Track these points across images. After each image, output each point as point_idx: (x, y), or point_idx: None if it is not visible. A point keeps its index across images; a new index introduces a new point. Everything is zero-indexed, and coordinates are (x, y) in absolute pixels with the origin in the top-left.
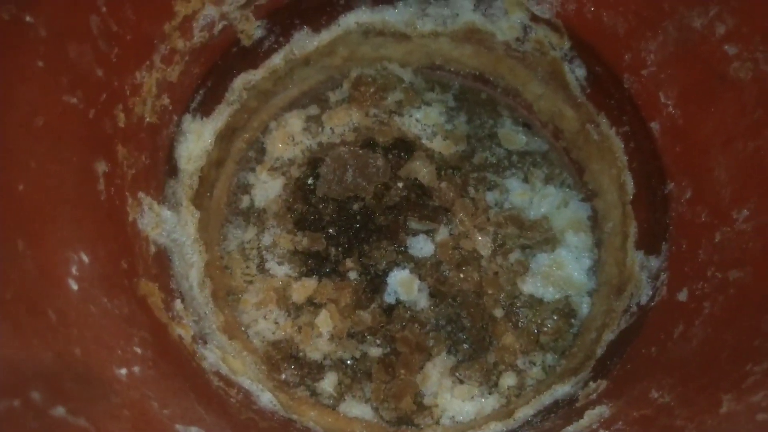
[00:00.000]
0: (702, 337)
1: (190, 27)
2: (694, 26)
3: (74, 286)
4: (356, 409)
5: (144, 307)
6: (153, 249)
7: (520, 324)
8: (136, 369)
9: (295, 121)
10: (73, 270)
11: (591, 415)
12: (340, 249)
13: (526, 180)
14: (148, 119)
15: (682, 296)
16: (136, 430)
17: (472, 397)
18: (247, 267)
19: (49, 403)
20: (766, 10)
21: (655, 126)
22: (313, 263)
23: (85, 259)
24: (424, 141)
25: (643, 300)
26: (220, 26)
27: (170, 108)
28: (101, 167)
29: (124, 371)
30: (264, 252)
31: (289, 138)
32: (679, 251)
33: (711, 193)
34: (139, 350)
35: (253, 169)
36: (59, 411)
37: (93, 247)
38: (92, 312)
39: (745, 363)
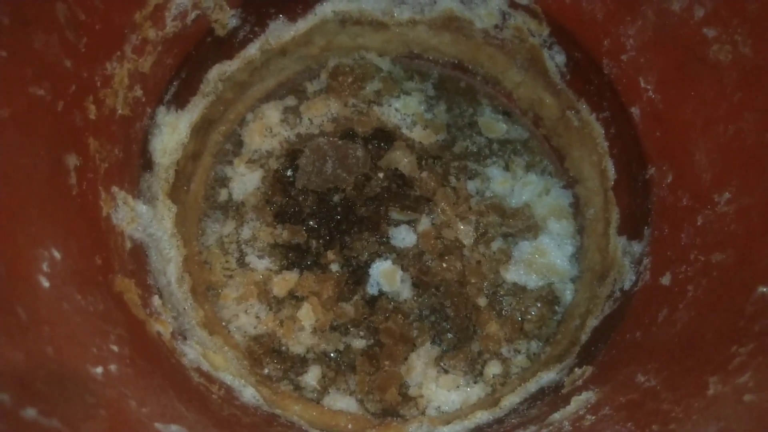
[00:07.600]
0: (686, 321)
1: (162, 16)
2: (672, 10)
3: (45, 284)
4: (341, 402)
5: (120, 304)
6: (129, 244)
7: (503, 312)
8: (112, 367)
9: (272, 113)
10: (44, 267)
11: (578, 401)
12: (321, 241)
13: (507, 168)
14: (120, 111)
15: (666, 280)
16: (113, 430)
17: (458, 387)
18: (227, 261)
19: (19, 405)
20: None
21: (635, 111)
22: (293, 256)
23: (57, 255)
24: (404, 130)
25: (627, 285)
26: (193, 15)
27: (143, 100)
28: (72, 161)
29: (99, 370)
30: (243, 246)
31: (267, 130)
32: (662, 235)
33: (692, 176)
34: (115, 348)
35: (230, 162)
36: (30, 413)
37: (65, 243)
38: (65, 309)
39: (730, 345)
